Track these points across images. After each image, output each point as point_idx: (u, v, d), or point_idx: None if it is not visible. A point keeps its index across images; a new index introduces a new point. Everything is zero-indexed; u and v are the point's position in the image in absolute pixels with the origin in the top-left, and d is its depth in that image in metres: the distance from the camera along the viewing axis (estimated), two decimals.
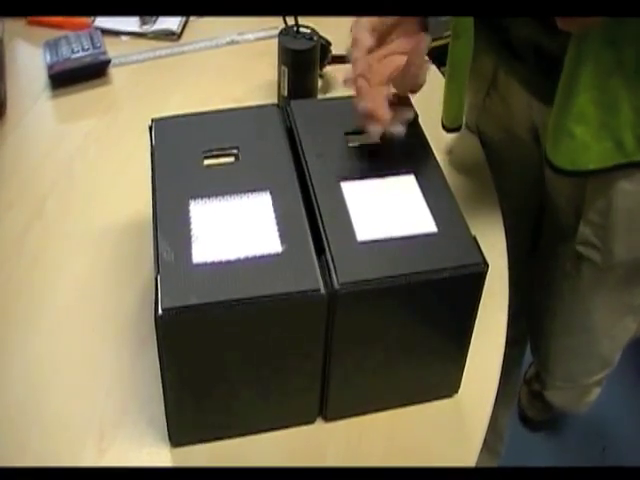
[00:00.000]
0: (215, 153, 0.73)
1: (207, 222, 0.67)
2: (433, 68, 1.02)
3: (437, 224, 0.68)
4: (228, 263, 0.63)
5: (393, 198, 0.70)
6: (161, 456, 0.70)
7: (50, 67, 1.10)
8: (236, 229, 0.66)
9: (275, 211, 0.68)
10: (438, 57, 0.95)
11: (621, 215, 0.85)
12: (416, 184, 0.71)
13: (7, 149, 1.01)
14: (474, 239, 0.67)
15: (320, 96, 1.09)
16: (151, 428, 0.71)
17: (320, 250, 0.65)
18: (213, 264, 0.63)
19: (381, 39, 0.73)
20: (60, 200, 0.94)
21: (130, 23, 1.22)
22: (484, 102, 0.99)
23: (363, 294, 0.63)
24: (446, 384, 0.75)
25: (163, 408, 0.68)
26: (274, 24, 1.14)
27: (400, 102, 0.73)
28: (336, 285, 0.62)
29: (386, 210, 0.69)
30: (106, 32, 1.19)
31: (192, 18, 1.26)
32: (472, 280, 0.66)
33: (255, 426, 0.71)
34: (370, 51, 0.72)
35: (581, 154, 0.80)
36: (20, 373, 0.76)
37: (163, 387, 0.66)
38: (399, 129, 0.71)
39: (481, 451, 0.73)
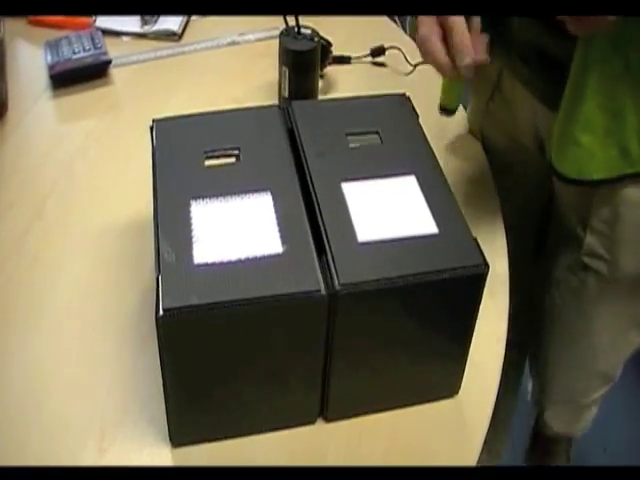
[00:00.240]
0: (216, 154, 0.73)
1: (208, 222, 0.67)
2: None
3: (438, 225, 0.68)
4: (229, 263, 0.63)
5: (394, 199, 0.70)
6: (162, 456, 0.70)
7: (51, 67, 1.10)
8: (237, 230, 0.66)
9: (276, 212, 0.68)
10: None
11: (628, 225, 0.84)
12: (417, 185, 0.71)
13: (8, 149, 1.01)
14: (475, 240, 0.67)
15: (321, 97, 1.09)
16: (152, 428, 0.71)
17: (321, 251, 0.65)
18: (214, 264, 0.63)
19: None
20: (61, 200, 0.94)
21: (131, 23, 1.23)
22: (488, 106, 0.98)
23: (364, 295, 0.63)
24: (446, 385, 0.75)
25: (164, 408, 0.68)
26: (275, 25, 1.14)
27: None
28: (337, 286, 0.62)
29: (387, 211, 0.69)
30: (107, 32, 1.19)
31: (193, 18, 1.26)
32: (473, 281, 0.66)
33: (256, 426, 0.71)
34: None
35: (587, 162, 0.79)
36: (20, 373, 0.76)
37: (164, 387, 0.66)
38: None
39: (481, 451, 0.73)
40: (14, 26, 1.19)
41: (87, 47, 1.12)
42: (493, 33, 0.88)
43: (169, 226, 0.66)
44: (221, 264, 0.63)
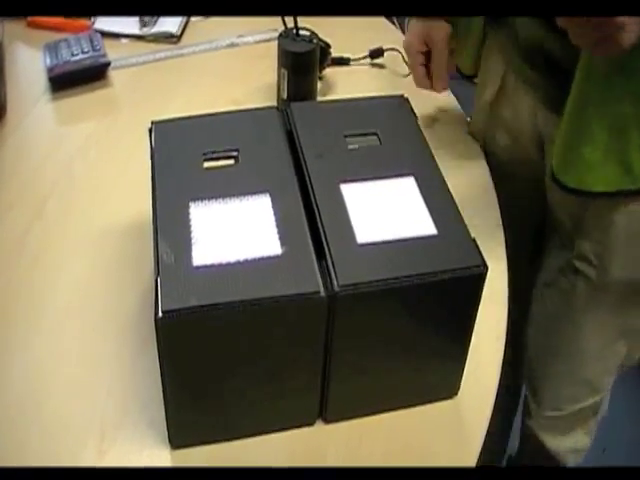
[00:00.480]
0: (215, 155, 0.73)
1: (207, 224, 0.67)
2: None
3: (437, 226, 0.68)
4: (228, 265, 0.63)
5: (393, 200, 0.70)
6: (161, 458, 0.70)
7: (50, 70, 1.10)
8: (236, 231, 0.66)
9: (275, 213, 0.68)
10: None
11: (621, 233, 0.85)
12: (416, 186, 0.71)
13: (7, 151, 1.02)
14: (474, 241, 0.67)
15: (320, 98, 1.09)
16: (151, 429, 0.71)
17: (320, 252, 0.65)
18: (213, 266, 0.63)
19: None
20: (60, 201, 0.94)
21: (130, 25, 1.23)
22: (491, 105, 0.99)
23: (363, 296, 0.63)
24: (446, 386, 0.75)
25: (163, 409, 0.68)
26: (274, 26, 1.14)
27: None
28: (336, 287, 0.62)
29: (386, 212, 0.69)
30: (106, 35, 1.19)
31: (192, 20, 1.26)
32: (472, 282, 0.66)
33: (255, 428, 0.71)
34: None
35: (588, 175, 0.80)
36: (20, 373, 0.76)
37: (163, 389, 0.66)
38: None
39: (481, 452, 0.73)
40: (13, 29, 1.19)
41: (86, 49, 1.12)
42: (499, 34, 0.89)
43: (168, 228, 0.66)
44: (220, 266, 0.63)
